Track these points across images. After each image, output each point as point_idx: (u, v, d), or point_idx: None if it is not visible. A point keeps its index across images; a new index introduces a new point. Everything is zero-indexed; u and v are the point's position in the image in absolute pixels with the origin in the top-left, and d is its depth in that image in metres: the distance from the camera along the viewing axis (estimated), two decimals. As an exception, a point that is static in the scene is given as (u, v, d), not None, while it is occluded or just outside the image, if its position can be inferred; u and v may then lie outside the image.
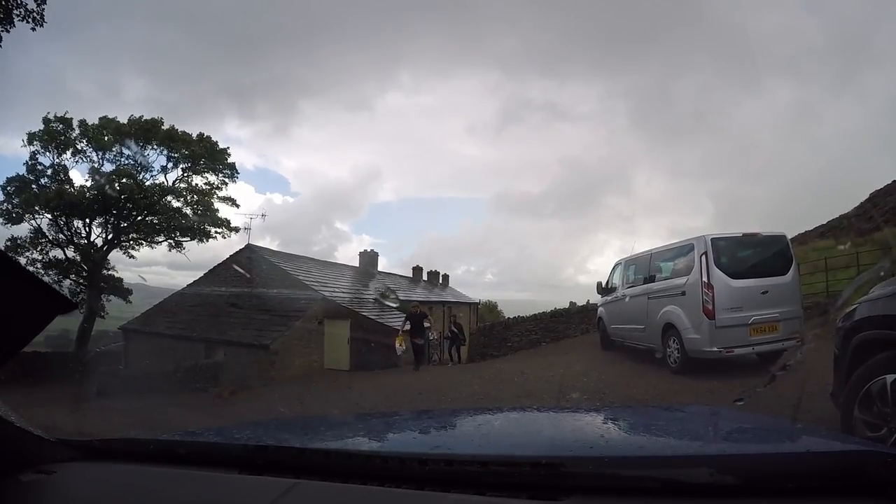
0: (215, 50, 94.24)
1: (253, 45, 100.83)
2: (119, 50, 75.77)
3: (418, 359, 18.81)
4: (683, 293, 11.50)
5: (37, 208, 27.42)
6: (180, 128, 29.72)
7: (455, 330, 25.56)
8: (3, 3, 19.12)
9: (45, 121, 28.06)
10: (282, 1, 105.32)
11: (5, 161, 75.63)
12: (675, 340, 11.56)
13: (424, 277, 43.13)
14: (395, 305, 27.24)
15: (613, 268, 16.13)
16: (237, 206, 31.23)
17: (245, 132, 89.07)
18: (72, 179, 28.46)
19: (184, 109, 78.49)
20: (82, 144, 28.45)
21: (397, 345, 19.26)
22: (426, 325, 19.19)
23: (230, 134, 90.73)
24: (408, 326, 19.23)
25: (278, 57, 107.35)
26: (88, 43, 64.30)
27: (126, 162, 29.10)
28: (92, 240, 28.86)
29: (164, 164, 29.49)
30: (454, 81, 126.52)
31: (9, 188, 27.48)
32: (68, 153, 28.29)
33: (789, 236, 12.27)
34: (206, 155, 29.48)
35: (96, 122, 28.74)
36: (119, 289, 29.53)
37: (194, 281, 28.26)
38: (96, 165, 28.71)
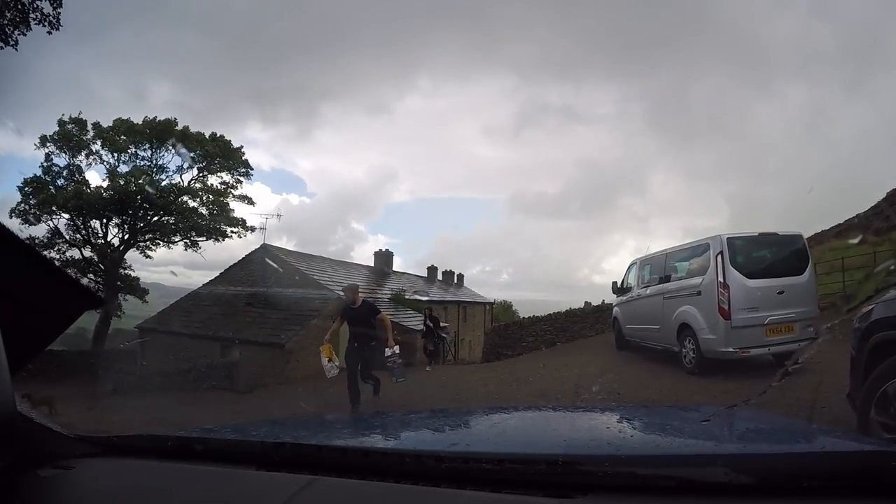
0: (239, 56, 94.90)
1: (276, 52, 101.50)
2: (144, 55, 76.76)
3: (354, 389, 10.41)
4: (699, 293, 11.44)
5: (54, 209, 27.62)
6: (203, 131, 30.01)
7: (430, 324, 22.76)
8: (19, 6, 19.32)
9: (60, 122, 28.31)
10: (305, 9, 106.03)
11: (25, 163, 76.63)
12: (690, 341, 11.51)
13: (439, 277, 43.16)
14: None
15: (629, 268, 16.08)
16: (252, 203, 31.37)
17: (266, 135, 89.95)
18: (87, 180, 28.70)
19: (207, 113, 79.58)
20: (97, 146, 28.69)
21: (324, 360, 10.94)
22: (382, 324, 10.86)
23: (251, 137, 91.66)
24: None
25: (300, 63, 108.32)
26: (113, 48, 65.18)
27: (141, 162, 29.36)
28: (109, 240, 29.09)
29: (180, 165, 29.72)
30: (471, 86, 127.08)
31: (26, 189, 27.71)
32: (83, 154, 28.52)
33: (805, 236, 12.20)
34: (221, 154, 29.64)
35: (111, 123, 29.04)
36: (136, 288, 29.71)
37: (210, 280, 28.46)
38: (112, 166, 28.93)
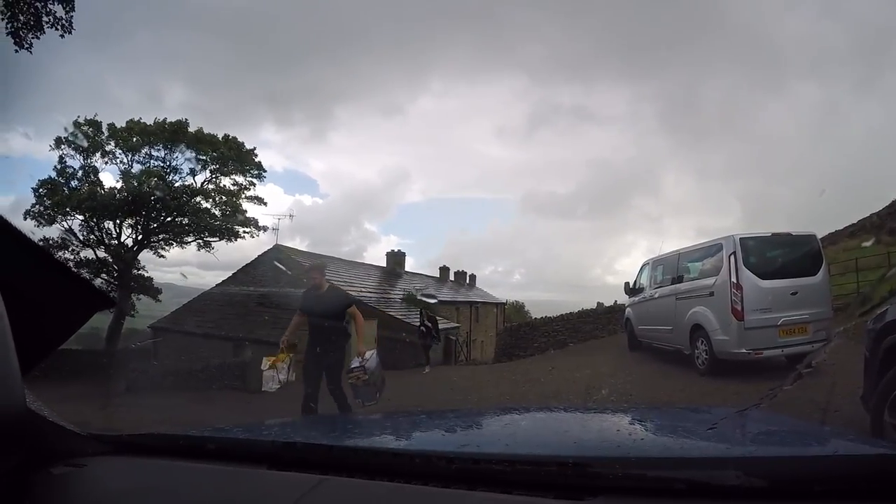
0: (253, 60, 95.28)
1: (290, 55, 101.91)
2: (160, 59, 77.32)
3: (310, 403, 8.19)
4: (712, 294, 11.38)
5: (68, 210, 27.78)
6: (218, 132, 30.26)
7: (429, 324, 21.07)
8: (32, 10, 19.50)
9: (76, 124, 28.51)
10: (319, 12, 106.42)
11: (38, 165, 77.28)
12: (703, 342, 11.44)
13: (451, 277, 43.18)
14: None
15: (641, 268, 16.02)
16: (265, 204, 31.54)
17: (279, 137, 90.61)
18: (101, 181, 28.89)
19: (221, 115, 79.84)
20: (111, 147, 28.87)
21: (265, 365, 9.26)
22: (353, 320, 8.43)
23: (265, 138, 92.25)
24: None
25: (314, 65, 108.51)
26: (130, 52, 65.50)
27: (155, 164, 29.54)
28: (122, 240, 29.26)
29: (193, 166, 29.86)
30: (483, 87, 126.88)
31: (41, 191, 27.89)
32: (97, 155, 28.70)
33: (819, 236, 12.13)
34: (234, 156, 29.78)
35: (124, 125, 29.24)
36: (149, 288, 29.85)
37: (223, 280, 28.58)
38: (125, 167, 29.13)
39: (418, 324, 21.71)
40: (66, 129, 28.49)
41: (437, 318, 24.18)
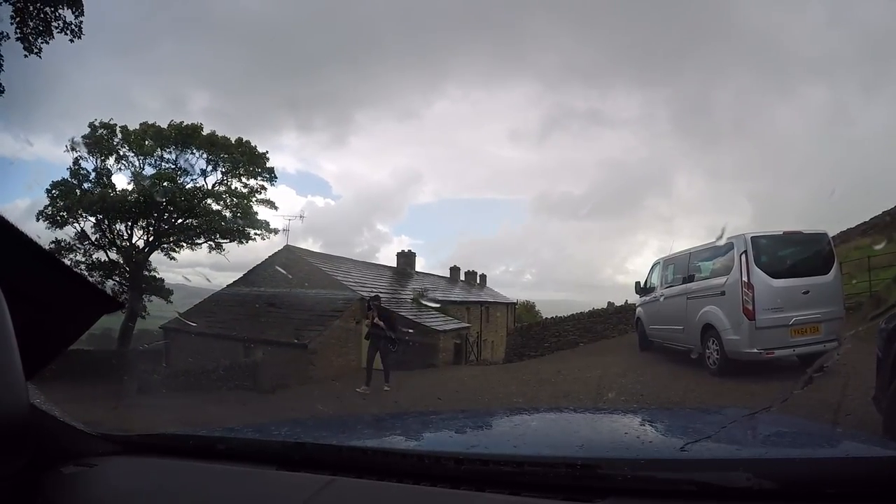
0: (275, 67, 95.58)
1: (311, 62, 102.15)
2: (184, 66, 77.60)
3: None
4: (723, 293, 11.32)
5: (80, 212, 27.89)
6: (236, 136, 30.33)
7: (381, 322, 14.00)
8: (42, 15, 19.68)
9: (92, 127, 28.64)
10: (340, 21, 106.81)
11: (52, 168, 77.90)
12: (714, 341, 11.38)
13: (462, 277, 43.09)
14: (435, 306, 26.64)
15: (652, 267, 15.93)
16: (275, 208, 31.52)
17: (295, 140, 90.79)
18: (114, 183, 29.00)
19: (243, 121, 80.00)
20: (124, 150, 29.00)
21: None
22: None
23: (279, 142, 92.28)
24: None
25: (334, 73, 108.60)
26: (154, 59, 65.77)
27: (167, 166, 29.66)
28: (134, 242, 29.37)
29: (204, 168, 29.94)
30: (497, 92, 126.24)
31: (54, 192, 28.02)
32: (111, 158, 28.82)
33: (830, 234, 12.04)
34: (246, 159, 29.85)
35: (138, 127, 29.38)
36: (160, 289, 29.91)
37: (234, 281, 28.61)
38: (138, 170, 29.25)
39: (367, 321, 15.07)
40: (86, 132, 28.67)
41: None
